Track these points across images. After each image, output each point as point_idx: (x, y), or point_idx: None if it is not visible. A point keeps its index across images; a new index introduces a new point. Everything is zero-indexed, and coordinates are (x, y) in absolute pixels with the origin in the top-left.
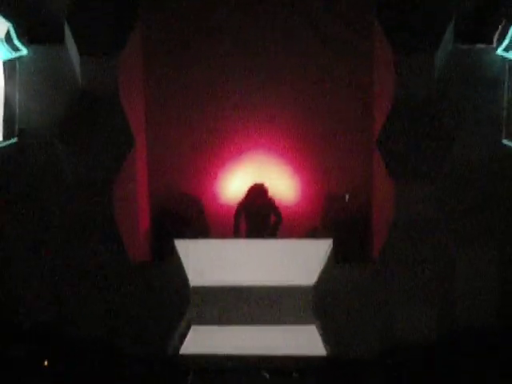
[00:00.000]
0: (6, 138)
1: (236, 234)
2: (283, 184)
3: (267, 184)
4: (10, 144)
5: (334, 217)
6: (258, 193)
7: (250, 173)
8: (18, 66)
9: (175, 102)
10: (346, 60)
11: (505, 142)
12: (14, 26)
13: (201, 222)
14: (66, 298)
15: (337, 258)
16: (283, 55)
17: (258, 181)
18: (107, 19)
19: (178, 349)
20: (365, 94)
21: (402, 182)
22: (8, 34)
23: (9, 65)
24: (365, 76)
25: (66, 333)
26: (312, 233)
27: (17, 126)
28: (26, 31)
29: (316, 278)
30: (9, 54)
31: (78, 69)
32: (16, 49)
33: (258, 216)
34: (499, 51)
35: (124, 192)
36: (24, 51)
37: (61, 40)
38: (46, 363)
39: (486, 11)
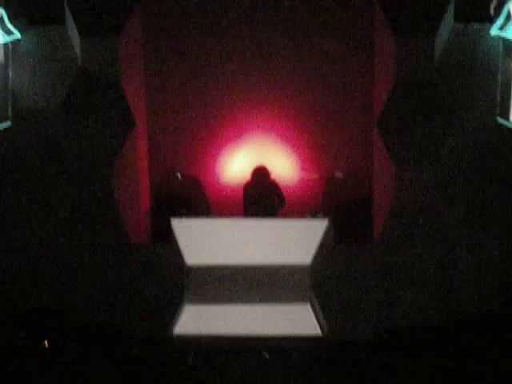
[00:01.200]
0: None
1: (247, 214)
2: (283, 165)
3: (268, 166)
4: (5, 128)
5: (334, 198)
6: (260, 174)
7: (251, 154)
8: (11, 48)
9: (176, 84)
10: (347, 43)
11: (500, 120)
12: (5, 10)
13: (201, 203)
14: (65, 279)
15: (336, 238)
16: (283, 38)
17: (259, 162)
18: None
19: (175, 329)
20: (366, 76)
21: (402, 163)
22: (0, 18)
23: (3, 48)
24: (366, 58)
25: (65, 314)
26: (313, 214)
27: (10, 110)
28: (26, 12)
29: (312, 257)
30: (2, 38)
31: (78, 51)
32: (9, 32)
33: (261, 198)
34: (494, 31)
35: (124, 174)
36: (17, 35)
37: (61, 21)
38: (46, 344)
39: None
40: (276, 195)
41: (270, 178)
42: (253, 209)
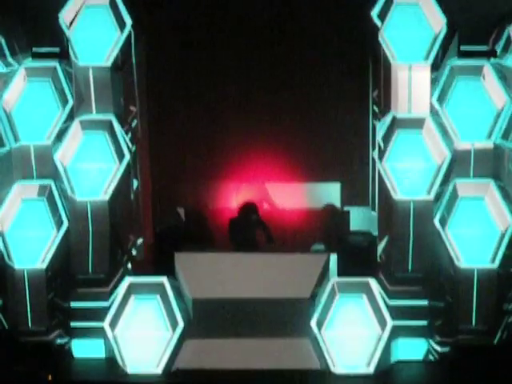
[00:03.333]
0: None
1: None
2: (285, 198)
3: (258, 202)
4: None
5: (335, 231)
6: (248, 210)
7: (253, 188)
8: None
9: (177, 116)
10: (346, 76)
11: None
12: (6, 40)
13: (203, 236)
14: (64, 311)
15: (338, 271)
16: (284, 61)
17: (260, 195)
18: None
19: (177, 362)
20: (364, 109)
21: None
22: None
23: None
24: (364, 93)
25: (65, 347)
26: (314, 247)
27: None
28: (28, 45)
29: (312, 291)
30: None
31: (79, 80)
32: (8, 64)
33: (248, 234)
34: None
35: (126, 207)
36: (15, 66)
37: (64, 55)
38: (49, 378)
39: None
40: (263, 232)
41: (258, 215)
42: (237, 242)
